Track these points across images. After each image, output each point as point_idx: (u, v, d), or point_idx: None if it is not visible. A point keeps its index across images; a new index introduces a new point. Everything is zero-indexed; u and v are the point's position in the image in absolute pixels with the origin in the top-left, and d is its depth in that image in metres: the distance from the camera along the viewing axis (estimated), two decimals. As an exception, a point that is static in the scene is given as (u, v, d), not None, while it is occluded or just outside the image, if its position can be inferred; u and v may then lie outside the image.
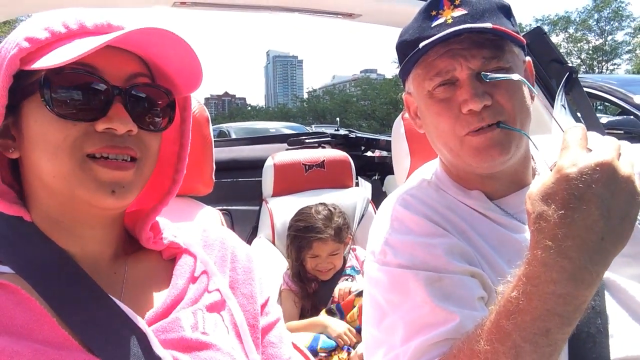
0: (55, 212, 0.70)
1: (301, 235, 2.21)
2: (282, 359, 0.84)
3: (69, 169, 0.65)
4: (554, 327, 0.67)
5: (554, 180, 0.64)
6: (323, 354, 1.90)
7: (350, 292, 2.06)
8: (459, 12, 0.94)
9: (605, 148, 0.64)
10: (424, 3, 1.01)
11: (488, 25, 0.90)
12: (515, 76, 0.88)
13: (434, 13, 0.97)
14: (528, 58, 1.04)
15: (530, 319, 0.67)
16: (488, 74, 0.88)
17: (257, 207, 2.68)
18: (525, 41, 0.99)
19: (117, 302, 0.68)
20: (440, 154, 1.09)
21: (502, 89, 0.94)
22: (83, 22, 0.68)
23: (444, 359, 0.82)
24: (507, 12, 0.98)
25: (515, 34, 0.94)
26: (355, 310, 2.02)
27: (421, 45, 0.93)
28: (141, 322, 0.68)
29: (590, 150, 0.65)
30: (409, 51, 0.97)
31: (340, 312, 2.07)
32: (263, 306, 0.86)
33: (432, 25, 0.96)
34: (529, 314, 0.67)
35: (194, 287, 0.78)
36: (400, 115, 1.87)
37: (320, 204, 2.35)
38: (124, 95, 0.68)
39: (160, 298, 0.75)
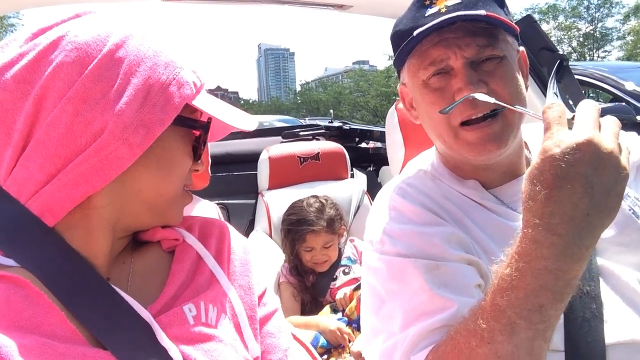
0: (113, 219, 0.74)
1: (294, 229, 2.23)
2: (281, 349, 0.85)
3: (175, 193, 0.78)
4: (547, 303, 0.69)
5: (540, 161, 0.66)
6: (322, 353, 1.92)
7: (351, 298, 2.07)
8: (452, 1, 0.95)
9: (584, 125, 0.66)
10: None
11: (482, 12, 0.91)
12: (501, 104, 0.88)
13: (427, 2, 0.98)
14: (522, 48, 1.05)
15: (523, 295, 0.69)
16: (478, 97, 0.90)
17: (253, 201, 2.68)
18: (518, 29, 0.99)
19: (124, 294, 0.68)
20: (435, 143, 1.10)
21: (497, 77, 0.95)
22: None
23: (442, 342, 0.83)
24: (500, 1, 0.99)
25: (509, 21, 0.95)
26: (353, 302, 2.03)
27: (415, 33, 0.93)
28: (146, 315, 0.68)
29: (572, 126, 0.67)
30: (403, 41, 0.98)
31: (335, 312, 2.08)
32: (260, 297, 0.87)
33: (426, 15, 0.96)
34: (523, 290, 0.69)
35: (194, 279, 0.79)
36: (393, 106, 1.87)
37: (312, 196, 2.36)
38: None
39: (165, 291, 0.75)
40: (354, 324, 2.00)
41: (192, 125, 0.77)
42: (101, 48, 0.66)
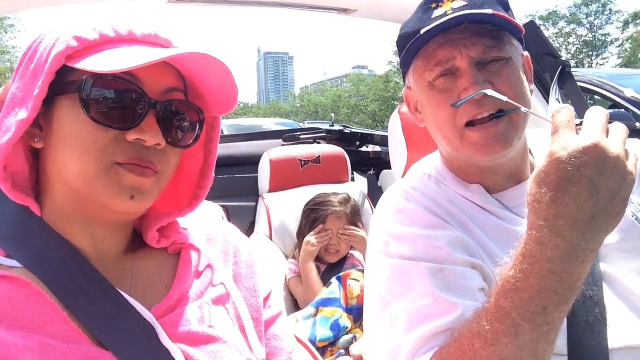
0: (70, 208, 0.71)
1: (317, 208, 2.32)
2: (286, 351, 0.85)
3: (93, 171, 0.66)
4: (551, 305, 0.69)
5: (546, 164, 0.67)
6: (323, 346, 1.92)
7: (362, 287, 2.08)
8: (458, 3, 0.96)
9: (591, 130, 0.67)
10: None
11: (488, 11, 0.92)
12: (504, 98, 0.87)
13: (433, 5, 0.99)
14: (526, 52, 1.05)
15: (527, 297, 0.70)
16: (490, 93, 0.89)
17: (254, 203, 2.68)
18: (523, 31, 1.00)
19: (126, 296, 0.69)
20: (440, 146, 1.11)
21: (503, 77, 0.95)
22: (132, 29, 0.69)
23: (445, 344, 0.83)
24: (505, 4, 1.00)
25: (515, 21, 0.96)
26: (357, 288, 2.04)
27: (422, 31, 0.94)
28: (149, 316, 0.68)
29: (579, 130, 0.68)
30: (409, 42, 0.98)
31: (338, 280, 2.10)
32: (265, 299, 0.87)
33: (432, 17, 0.97)
34: (527, 291, 0.70)
35: (199, 281, 0.79)
36: (396, 110, 1.88)
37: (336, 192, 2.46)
38: (159, 108, 0.69)
39: (166, 292, 0.75)
40: (353, 312, 2.00)
41: (74, 87, 0.66)
42: (27, 50, 0.70)
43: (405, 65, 1.06)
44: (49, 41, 0.67)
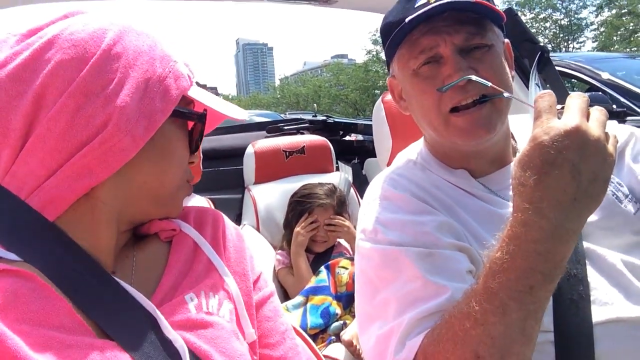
0: (117, 212, 0.75)
1: (304, 201, 2.32)
2: (279, 331, 0.86)
3: (178, 185, 0.80)
4: (537, 284, 0.72)
5: (530, 148, 0.70)
6: (315, 334, 1.94)
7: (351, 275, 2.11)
8: None
9: (572, 114, 0.69)
10: None
11: None
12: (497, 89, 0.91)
13: None
14: (507, 40, 1.08)
15: (514, 277, 0.73)
16: (475, 79, 0.92)
17: (240, 195, 2.69)
18: (505, 18, 1.02)
19: (127, 287, 0.69)
20: (425, 133, 1.13)
21: (486, 64, 0.98)
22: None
23: (437, 326, 0.85)
24: None
25: (497, 8, 0.98)
26: (345, 276, 2.06)
27: (407, 19, 0.96)
28: (150, 306, 0.69)
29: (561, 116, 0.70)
30: (393, 31, 1.00)
31: (327, 269, 2.12)
32: (255, 282, 0.88)
33: (415, 6, 0.98)
34: (513, 272, 0.72)
35: (193, 268, 0.80)
36: (380, 99, 1.89)
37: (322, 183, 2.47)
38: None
39: (163, 281, 0.76)
40: (342, 299, 2.03)
41: (189, 116, 0.79)
42: (99, 44, 0.68)
43: (389, 54, 1.08)
44: (172, 66, 0.74)
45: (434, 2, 0.96)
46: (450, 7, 0.94)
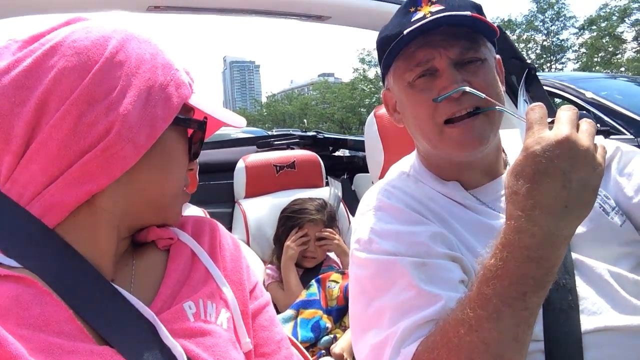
0: (120, 218, 0.75)
1: (294, 216, 2.33)
2: (274, 341, 0.86)
3: (177, 192, 0.81)
4: (530, 290, 0.74)
5: (522, 157, 0.73)
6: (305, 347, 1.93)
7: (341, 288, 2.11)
8: (436, 8, 1.01)
9: (563, 125, 0.72)
10: (390, 4, 1.07)
11: (467, 13, 0.98)
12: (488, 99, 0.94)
13: (412, 9, 1.04)
14: (498, 56, 1.11)
15: (508, 284, 0.75)
16: (470, 90, 0.95)
17: (230, 209, 2.69)
18: (498, 33, 1.05)
19: (127, 294, 0.69)
20: (419, 144, 1.15)
21: (480, 77, 1.01)
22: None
23: (431, 333, 0.86)
24: (479, 10, 1.05)
25: (491, 23, 1.02)
26: (336, 290, 2.06)
27: (405, 32, 0.98)
28: (150, 314, 0.69)
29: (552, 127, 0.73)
30: (390, 45, 1.02)
31: (318, 283, 2.12)
32: (251, 292, 0.88)
33: (412, 20, 1.02)
34: (507, 278, 0.75)
35: (191, 276, 0.80)
36: (372, 114, 1.92)
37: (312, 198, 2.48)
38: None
39: (162, 289, 0.76)
40: (333, 313, 2.03)
41: (189, 124, 0.79)
42: (102, 52, 0.68)
43: (385, 67, 1.10)
44: (172, 73, 0.75)
45: (430, 16, 0.99)
46: (446, 21, 0.97)
